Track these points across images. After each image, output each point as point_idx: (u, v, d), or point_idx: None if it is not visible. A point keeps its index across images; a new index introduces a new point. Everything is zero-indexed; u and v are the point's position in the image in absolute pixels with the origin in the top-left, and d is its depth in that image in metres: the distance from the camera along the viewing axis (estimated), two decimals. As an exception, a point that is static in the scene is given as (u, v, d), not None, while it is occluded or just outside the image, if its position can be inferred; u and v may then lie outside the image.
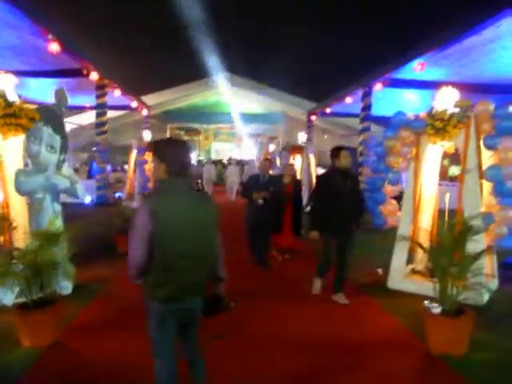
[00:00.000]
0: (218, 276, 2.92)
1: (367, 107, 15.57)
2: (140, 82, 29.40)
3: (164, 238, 2.54)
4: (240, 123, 36.39)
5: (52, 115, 5.92)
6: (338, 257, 5.67)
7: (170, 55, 32.25)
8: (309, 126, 22.77)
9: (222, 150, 38.34)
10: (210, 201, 2.87)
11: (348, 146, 6.45)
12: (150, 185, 14.59)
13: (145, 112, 21.84)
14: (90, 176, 17.02)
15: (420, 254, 6.40)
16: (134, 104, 19.12)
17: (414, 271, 6.66)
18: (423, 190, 6.30)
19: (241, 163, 24.06)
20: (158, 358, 2.74)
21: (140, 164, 14.47)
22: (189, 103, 34.98)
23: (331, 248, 5.65)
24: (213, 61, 31.68)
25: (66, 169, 6.15)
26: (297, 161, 15.62)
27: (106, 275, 6.73)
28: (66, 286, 5.81)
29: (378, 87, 14.49)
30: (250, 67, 32.13)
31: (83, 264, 6.01)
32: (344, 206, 5.42)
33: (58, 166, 5.92)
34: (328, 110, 20.53)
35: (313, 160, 15.56)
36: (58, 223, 5.87)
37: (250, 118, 35.71)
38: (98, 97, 14.93)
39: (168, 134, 35.40)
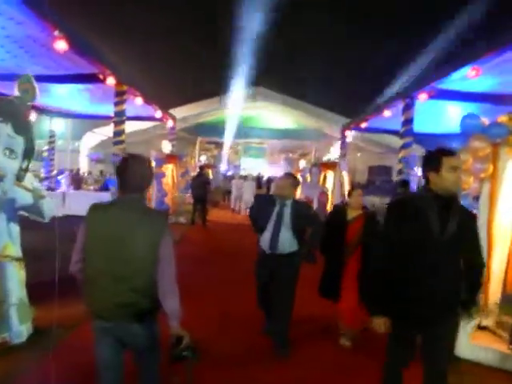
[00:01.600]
0: (163, 308, 2.54)
1: (408, 121, 13.84)
2: (170, 93, 28.59)
3: (89, 251, 2.57)
4: (270, 138, 35.07)
5: (13, 111, 4.55)
6: (426, 367, 3.00)
7: (202, 67, 31.55)
8: (342, 142, 21.10)
9: (252, 166, 37.04)
10: (157, 222, 2.62)
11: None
12: (168, 200, 13.30)
13: (170, 123, 20.63)
14: (104, 188, 15.84)
15: (491, 304, 4.76)
16: (158, 114, 17.90)
17: (479, 327, 4.96)
18: (499, 221, 4.60)
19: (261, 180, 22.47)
20: (99, 371, 2.69)
21: (157, 177, 13.18)
22: (219, 117, 33.93)
23: (409, 351, 3.08)
24: (246, 74, 30.76)
25: (31, 180, 4.76)
26: (328, 179, 14.02)
27: (77, 316, 4.77)
28: (18, 333, 4.43)
29: (422, 98, 12.78)
30: (283, 81, 31.00)
31: (50, 300, 4.50)
32: (440, 270, 2.79)
33: (19, 176, 4.53)
34: (363, 125, 18.82)
35: (346, 178, 13.91)
36: (13, 251, 4.50)
37: (281, 133, 34.37)
38: (116, 104, 13.75)
39: (197, 148, 34.44)
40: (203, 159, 22.03)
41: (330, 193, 13.44)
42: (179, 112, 29.30)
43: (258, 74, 29.83)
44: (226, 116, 33.95)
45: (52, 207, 4.82)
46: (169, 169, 13.78)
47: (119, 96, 13.91)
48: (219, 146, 36.85)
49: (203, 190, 12.95)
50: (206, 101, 30.82)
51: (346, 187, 13.88)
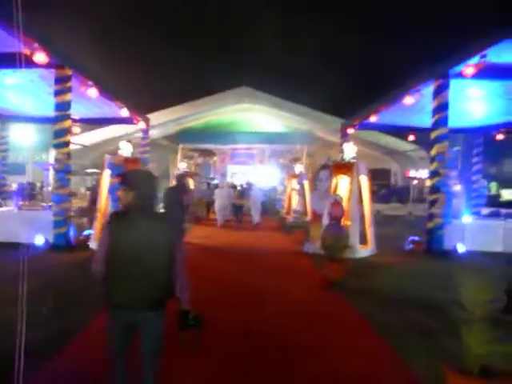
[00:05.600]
0: (177, 296, 2.98)
1: (442, 107, 10.25)
2: (148, 97, 24.85)
3: (113, 253, 2.82)
4: (259, 143, 31.38)
5: None
6: None
7: (183, 67, 27.97)
8: (343, 142, 17.45)
9: (240, 173, 33.27)
10: (173, 227, 3.04)
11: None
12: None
13: (142, 125, 16.82)
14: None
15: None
16: (124, 113, 14.08)
17: None
18: None
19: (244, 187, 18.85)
20: (109, 357, 3.06)
21: (112, 191, 9.36)
22: (203, 122, 30.19)
23: None
24: (229, 74, 27.21)
25: None
26: (342, 184, 10.31)
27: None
28: None
29: (468, 72, 9.17)
30: (271, 80, 27.47)
31: None
32: None
33: None
34: (372, 119, 15.16)
35: (365, 183, 10.23)
36: None
37: (270, 137, 30.67)
38: (56, 94, 9.98)
39: (179, 155, 30.60)
40: (182, 167, 18.09)
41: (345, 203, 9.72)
42: (159, 118, 25.57)
43: (244, 74, 26.27)
44: (210, 121, 30.29)
45: None
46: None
47: (61, 83, 10.09)
48: (204, 153, 33.10)
49: (178, 207, 9.12)
50: (187, 104, 27.00)
51: (366, 195, 10.20)
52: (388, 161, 31.51)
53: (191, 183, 18.59)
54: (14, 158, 27.39)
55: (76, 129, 17.74)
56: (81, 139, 25.65)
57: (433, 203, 10.19)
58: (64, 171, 10.04)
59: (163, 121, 26.42)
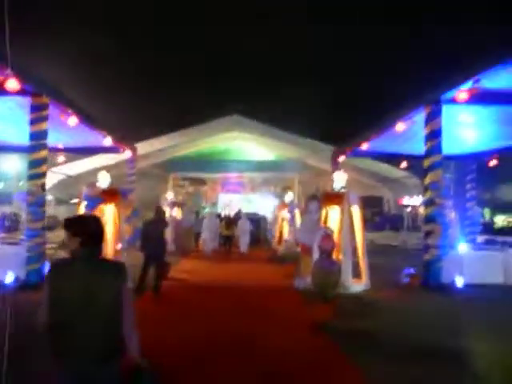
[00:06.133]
0: (126, 348, 2.78)
1: (435, 133, 9.81)
2: (136, 126, 24.40)
3: (57, 304, 2.70)
4: (250, 172, 30.95)
5: None
6: None
7: (171, 96, 27.58)
8: (334, 170, 16.99)
9: (231, 202, 32.70)
10: (118, 272, 2.80)
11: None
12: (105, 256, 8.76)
13: (128, 154, 16.28)
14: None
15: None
16: (108, 142, 13.53)
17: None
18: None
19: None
20: None
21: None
22: (193, 151, 29.76)
23: None
24: (220, 102, 26.89)
25: None
26: (333, 215, 9.74)
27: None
28: None
29: (461, 97, 8.76)
30: (261, 109, 27.17)
31: None
32: None
33: None
34: (364, 147, 14.72)
35: (357, 214, 9.66)
36: None
37: (261, 165, 30.28)
38: (32, 122, 9.44)
39: (170, 185, 30.01)
40: (170, 197, 17.50)
41: (336, 235, 9.14)
42: (148, 147, 25.11)
43: (232, 102, 25.96)
44: (200, 149, 29.90)
45: None
46: (107, 210, 9.32)
47: (37, 111, 9.56)
48: (195, 182, 32.61)
49: (159, 242, 8.45)
50: (177, 133, 26.58)
51: (358, 226, 9.63)
52: (380, 188, 31.09)
53: (178, 213, 17.98)
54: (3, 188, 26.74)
55: (60, 158, 17.22)
56: (67, 169, 25.12)
57: (428, 234, 9.62)
58: (37, 204, 9.40)
59: (152, 150, 25.96)
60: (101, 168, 23.55)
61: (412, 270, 10.17)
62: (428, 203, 9.73)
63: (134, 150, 16.94)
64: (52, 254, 11.21)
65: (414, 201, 28.00)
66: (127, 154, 16.32)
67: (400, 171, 26.70)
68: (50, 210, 28.17)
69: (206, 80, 26.75)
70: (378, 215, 30.32)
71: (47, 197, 27.61)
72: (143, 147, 23.27)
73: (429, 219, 9.64)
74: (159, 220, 8.68)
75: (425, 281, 9.62)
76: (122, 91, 23.77)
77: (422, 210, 27.80)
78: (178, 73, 27.38)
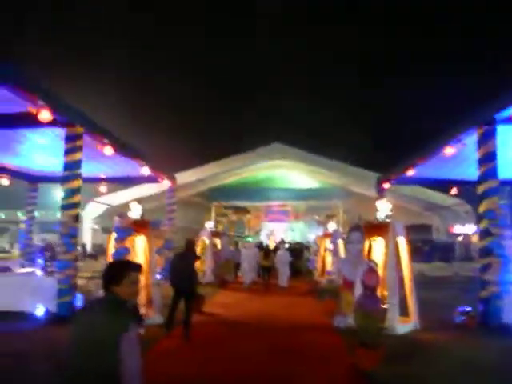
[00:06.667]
0: None
1: (490, 156, 8.88)
2: (177, 155, 24.51)
3: (69, 353, 2.63)
4: (293, 200, 30.31)
5: None
6: None
7: (213, 124, 27.74)
8: (379, 198, 16.07)
9: (273, 231, 32.06)
10: (117, 321, 2.54)
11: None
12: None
13: (167, 183, 16.10)
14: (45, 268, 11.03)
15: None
16: (145, 171, 13.38)
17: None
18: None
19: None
20: None
21: (117, 255, 8.34)
22: (236, 179, 29.57)
23: None
24: (262, 131, 26.69)
25: None
26: (377, 247, 8.91)
27: None
28: None
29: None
30: (301, 135, 26.74)
31: None
32: None
33: None
34: (410, 173, 13.79)
35: (404, 245, 8.78)
36: None
37: (304, 193, 29.61)
38: (66, 152, 9.34)
39: (213, 214, 29.82)
40: (209, 226, 17.08)
41: (380, 269, 8.28)
42: (190, 176, 25.14)
43: (275, 130, 25.73)
44: (243, 178, 29.67)
45: None
46: (138, 242, 8.94)
47: (71, 141, 9.45)
48: (238, 210, 32.29)
49: (188, 275, 7.93)
50: (219, 162, 26.49)
51: (405, 259, 8.75)
52: (429, 216, 29.54)
53: (218, 243, 17.51)
54: (45, 216, 27.34)
55: (102, 188, 17.29)
56: (111, 199, 25.46)
57: (485, 268, 8.59)
58: (70, 235, 9.16)
59: (195, 179, 25.97)
60: (143, 198, 23.87)
61: (468, 308, 9.09)
62: (484, 233, 8.72)
63: (173, 179, 16.76)
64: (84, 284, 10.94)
65: (465, 229, 26.34)
66: (166, 183, 16.11)
67: (450, 198, 25.28)
68: (98, 239, 28.71)
69: (248, 107, 26.70)
70: (426, 244, 28.67)
71: (94, 226, 28.19)
72: (185, 176, 23.25)
73: (486, 251, 8.61)
74: (189, 252, 8.18)
75: (482, 320, 8.54)
76: (163, 122, 24.10)
77: (475, 239, 26.21)
78: (218, 102, 27.56)
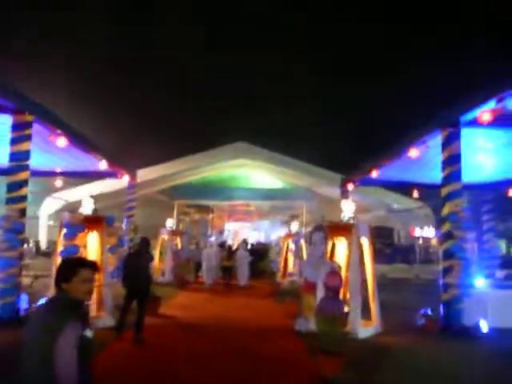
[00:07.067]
0: None
1: (453, 158, 8.78)
2: (139, 151, 23.72)
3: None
4: (257, 200, 29.99)
5: None
6: None
7: (178, 122, 27.07)
8: (343, 198, 15.95)
9: (238, 230, 31.67)
10: (54, 321, 2.37)
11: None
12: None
13: (126, 179, 15.41)
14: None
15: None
16: (103, 165, 12.70)
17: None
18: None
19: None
20: None
21: (66, 254, 7.73)
22: (200, 177, 28.94)
23: None
24: (226, 128, 26.24)
25: None
26: (340, 248, 8.65)
27: None
28: None
29: (484, 118, 7.78)
30: (267, 135, 26.46)
31: None
32: None
33: None
34: (374, 174, 13.67)
35: (367, 247, 8.57)
36: None
37: (268, 193, 29.34)
38: (13, 142, 8.63)
39: (175, 212, 29.13)
40: (169, 225, 16.49)
41: (343, 271, 8.01)
42: (153, 172, 24.33)
43: (240, 128, 25.34)
44: (207, 176, 29.08)
45: None
46: (90, 239, 8.33)
47: (19, 130, 8.74)
48: (201, 209, 31.64)
49: (142, 276, 7.40)
50: (183, 159, 25.79)
51: (368, 261, 8.54)
52: (390, 218, 29.83)
53: (179, 242, 16.95)
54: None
55: (58, 182, 16.41)
56: (69, 195, 24.37)
57: (447, 271, 8.47)
58: (14, 230, 8.45)
59: (157, 175, 25.20)
60: (104, 194, 22.94)
61: (428, 311, 8.97)
62: (446, 236, 8.59)
63: (133, 175, 16.08)
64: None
65: (425, 232, 26.71)
66: (126, 179, 15.42)
67: (411, 201, 25.55)
68: (54, 236, 27.44)
69: (212, 106, 26.22)
70: (388, 247, 28.90)
71: (50, 222, 26.91)
72: (146, 173, 22.49)
73: (448, 254, 8.48)
74: (143, 251, 7.67)
75: (444, 324, 8.41)
76: (124, 117, 23.30)
77: (434, 242, 26.63)
78: (182, 99, 26.95)
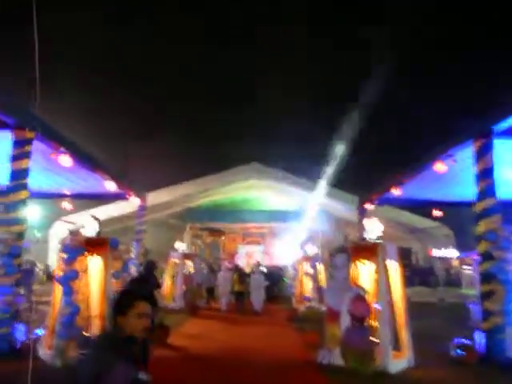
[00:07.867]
0: None
1: (486, 172, 7.97)
2: (152, 174, 23.17)
3: None
4: (271, 222, 29.21)
5: None
6: None
7: (189, 144, 26.50)
8: (360, 219, 15.10)
9: (251, 254, 30.75)
10: (95, 355, 2.36)
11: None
12: (83, 320, 7.02)
13: (136, 201, 14.75)
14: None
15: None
16: (110, 186, 12.06)
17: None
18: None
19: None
20: None
21: (65, 280, 7.00)
22: (211, 200, 28.37)
23: None
24: (240, 150, 25.68)
25: None
26: (365, 272, 7.77)
27: None
28: None
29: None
30: (282, 156, 25.78)
31: None
32: None
33: None
34: (395, 192, 12.80)
35: (396, 270, 7.70)
36: None
37: (282, 215, 28.58)
38: (13, 159, 8.04)
39: (188, 235, 28.41)
40: (180, 247, 15.74)
41: (369, 297, 7.13)
42: (164, 195, 23.79)
43: (252, 149, 24.75)
44: (219, 199, 28.48)
45: None
46: (92, 263, 7.60)
47: (19, 147, 8.15)
48: (213, 232, 30.88)
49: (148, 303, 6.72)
50: (194, 182, 25.24)
51: (398, 286, 7.66)
52: (407, 239, 28.75)
53: (191, 266, 16.13)
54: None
55: (67, 205, 15.81)
56: (79, 218, 23.82)
57: (487, 296, 7.54)
58: (10, 255, 7.75)
59: (169, 199, 24.64)
60: (115, 217, 22.34)
61: (465, 341, 7.99)
62: (485, 257, 7.69)
63: (143, 197, 15.41)
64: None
65: (446, 252, 25.56)
66: (135, 201, 14.76)
67: (429, 221, 24.54)
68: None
69: (224, 129, 25.71)
70: (406, 268, 27.72)
71: (59, 246, 26.28)
72: (158, 196, 21.94)
73: (487, 277, 7.56)
74: (148, 276, 6.91)
75: (485, 355, 7.44)
76: (137, 141, 22.82)
77: (456, 263, 25.41)
78: (194, 121, 26.49)
